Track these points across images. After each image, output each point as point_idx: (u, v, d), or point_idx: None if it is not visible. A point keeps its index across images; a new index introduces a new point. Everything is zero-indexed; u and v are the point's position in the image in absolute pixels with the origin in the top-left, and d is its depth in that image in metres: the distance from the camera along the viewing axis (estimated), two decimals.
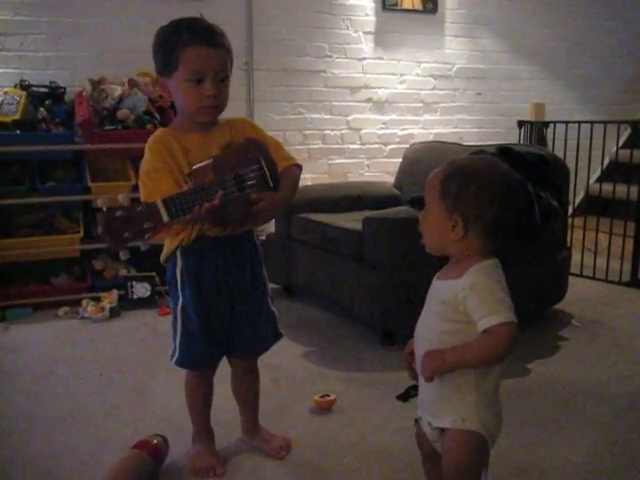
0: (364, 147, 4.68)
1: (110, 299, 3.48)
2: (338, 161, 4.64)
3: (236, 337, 1.87)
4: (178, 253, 1.79)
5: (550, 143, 4.57)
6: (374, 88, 4.67)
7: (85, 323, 3.33)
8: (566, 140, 4.36)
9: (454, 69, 4.91)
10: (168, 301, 3.44)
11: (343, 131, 4.63)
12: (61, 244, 3.58)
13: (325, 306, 3.51)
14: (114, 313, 3.41)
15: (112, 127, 3.53)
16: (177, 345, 1.84)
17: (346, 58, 4.52)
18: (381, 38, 4.61)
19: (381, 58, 4.64)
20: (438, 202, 1.38)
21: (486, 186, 1.35)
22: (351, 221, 3.22)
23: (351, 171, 4.68)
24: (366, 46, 4.58)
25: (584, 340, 3.02)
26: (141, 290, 3.54)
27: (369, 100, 4.66)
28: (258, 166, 1.74)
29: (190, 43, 1.66)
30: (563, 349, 2.92)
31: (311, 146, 4.51)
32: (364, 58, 4.58)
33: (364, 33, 4.56)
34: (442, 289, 1.41)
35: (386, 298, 2.87)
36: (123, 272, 3.65)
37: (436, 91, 4.87)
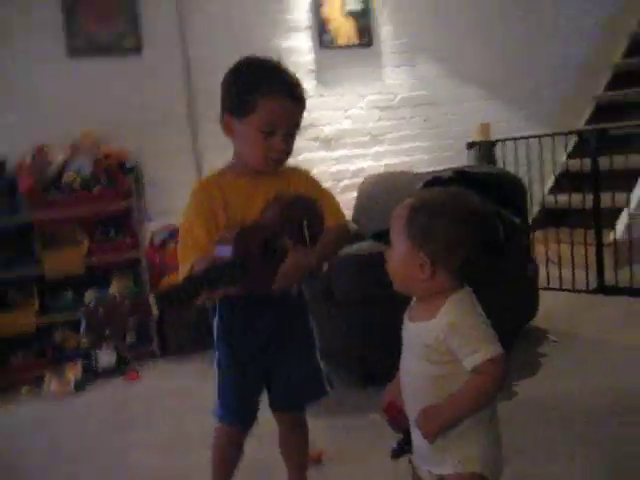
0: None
1: (74, 371, 3.32)
2: None
3: (275, 391, 1.79)
4: (217, 305, 1.72)
5: (501, 161, 4.62)
6: (319, 126, 4.65)
7: (49, 402, 3.17)
8: (516, 156, 4.40)
9: (397, 99, 4.93)
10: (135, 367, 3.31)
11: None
12: (16, 320, 3.42)
13: None
14: (79, 386, 3.26)
15: (58, 194, 3.43)
16: (215, 399, 1.76)
17: None
18: (322, 75, 4.61)
19: (322, 95, 4.63)
20: (404, 240, 1.32)
21: (455, 222, 1.29)
22: None
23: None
24: (308, 84, 4.54)
25: (563, 355, 2.99)
26: (105, 359, 3.39)
27: (316, 139, 4.64)
28: (293, 231, 1.66)
29: (273, 93, 1.59)
30: (544, 366, 2.88)
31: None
32: (309, 96, 4.56)
33: (304, 72, 4.55)
34: (421, 332, 1.33)
35: (361, 336, 2.80)
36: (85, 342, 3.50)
37: (382, 122, 4.87)
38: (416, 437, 1.38)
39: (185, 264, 1.60)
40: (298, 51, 4.54)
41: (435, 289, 1.32)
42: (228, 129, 1.67)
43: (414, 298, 1.42)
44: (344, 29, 4.61)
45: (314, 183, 1.78)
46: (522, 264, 3.28)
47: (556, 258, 4.24)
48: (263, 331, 1.70)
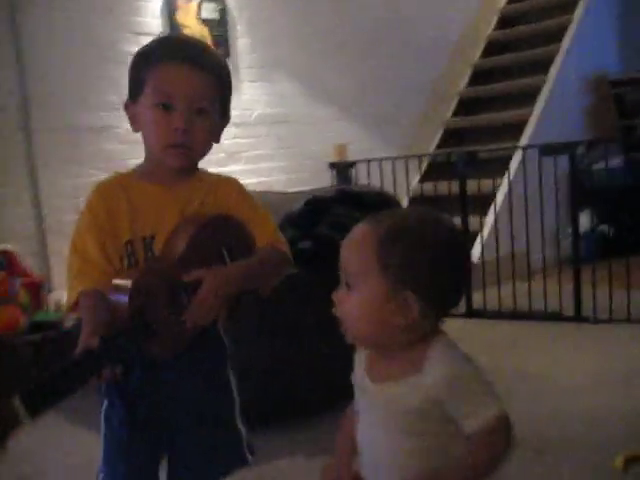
0: None
1: None
2: None
3: (177, 463, 1.38)
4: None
5: (360, 182, 4.51)
6: None
7: None
8: (369, 177, 4.33)
9: (254, 115, 4.67)
10: None
11: None
12: None
13: None
14: None
15: None
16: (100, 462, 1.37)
17: None
18: None
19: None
20: (375, 277, 1.02)
21: (441, 249, 1.04)
22: None
23: None
24: None
25: None
26: None
27: None
28: (210, 263, 1.28)
29: (164, 58, 1.29)
30: None
31: None
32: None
33: None
34: (396, 395, 1.04)
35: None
36: None
37: (238, 140, 4.57)
38: None
39: (70, 296, 1.27)
40: None
41: (417, 335, 1.04)
42: (131, 120, 1.35)
43: (364, 351, 1.14)
44: (199, 37, 4.26)
45: (246, 198, 1.41)
46: None
47: None
48: (169, 381, 1.32)
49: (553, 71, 5.41)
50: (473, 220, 4.31)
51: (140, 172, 1.37)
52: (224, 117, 1.38)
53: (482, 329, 3.75)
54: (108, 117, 3.92)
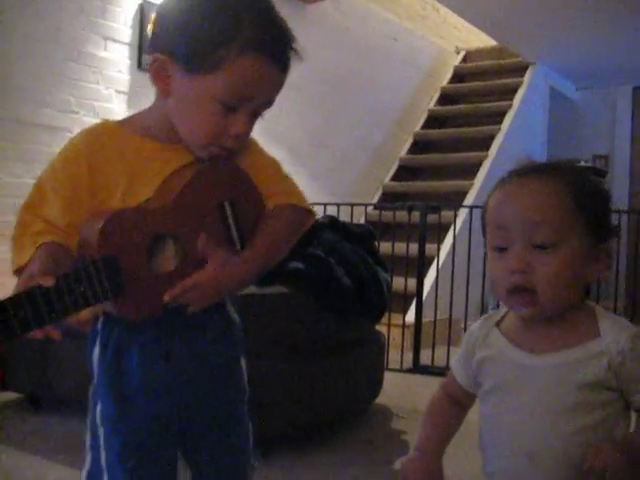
0: None
1: None
2: None
3: (196, 461, 1.16)
4: (99, 325, 1.06)
5: None
6: None
7: None
8: None
9: None
10: None
11: None
12: None
13: None
14: None
15: None
16: (104, 466, 1.08)
17: (95, 117, 3.79)
18: (135, 100, 3.99)
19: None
20: (579, 233, 0.92)
21: (605, 192, 0.99)
22: None
23: None
24: (118, 106, 3.92)
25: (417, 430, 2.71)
26: None
27: None
28: (207, 220, 1.08)
29: (258, 49, 1.00)
30: (411, 444, 2.56)
31: None
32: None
33: (116, 92, 3.90)
34: (570, 365, 0.91)
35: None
36: None
37: None
38: None
39: (19, 255, 1.00)
40: (113, 66, 3.89)
41: (580, 296, 0.96)
42: (161, 80, 1.05)
43: (490, 322, 1.01)
44: None
45: (265, 155, 1.19)
46: (371, 331, 2.98)
47: None
48: (176, 373, 1.10)
49: (494, 148, 5.66)
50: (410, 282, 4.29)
51: (136, 125, 1.10)
52: None
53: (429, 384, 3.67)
54: (62, 118, 3.63)
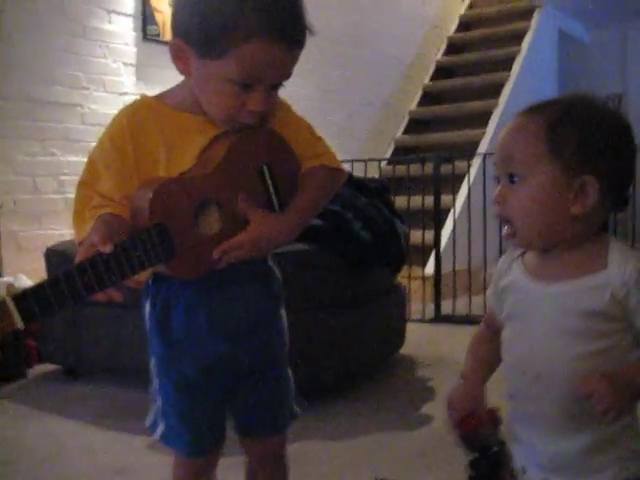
0: None
1: None
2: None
3: (244, 409, 1.24)
4: (150, 281, 1.14)
5: None
6: None
7: None
8: None
9: None
10: None
11: None
12: None
13: (144, 383, 2.72)
14: None
15: None
16: (159, 415, 1.21)
17: (105, 92, 3.83)
18: (143, 71, 4.02)
19: (144, 94, 4.03)
20: (547, 165, 0.93)
21: (619, 127, 0.97)
22: None
23: None
24: (127, 79, 3.95)
25: (443, 377, 2.78)
26: None
27: None
28: (248, 184, 1.14)
29: (261, 34, 1.02)
30: (438, 390, 2.63)
31: (69, 195, 3.66)
32: (125, 93, 3.93)
33: (124, 64, 3.93)
34: (577, 293, 0.94)
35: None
36: None
37: None
38: (552, 443, 0.99)
39: (81, 228, 1.07)
40: (119, 38, 3.91)
41: (590, 227, 0.96)
42: (180, 61, 1.10)
43: (517, 252, 1.05)
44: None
45: (292, 118, 1.24)
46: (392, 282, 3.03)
47: None
48: (221, 324, 1.17)
49: (504, 96, 5.62)
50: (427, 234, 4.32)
51: (171, 100, 1.15)
52: None
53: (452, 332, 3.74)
54: (73, 94, 3.67)
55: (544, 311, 0.98)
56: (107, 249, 0.97)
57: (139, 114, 1.13)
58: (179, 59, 1.10)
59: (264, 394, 1.24)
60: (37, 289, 0.95)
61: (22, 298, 0.94)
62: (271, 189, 1.17)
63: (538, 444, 1.00)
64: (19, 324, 0.93)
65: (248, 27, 1.02)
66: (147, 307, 1.18)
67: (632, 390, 0.91)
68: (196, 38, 1.05)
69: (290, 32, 1.06)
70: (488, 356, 1.12)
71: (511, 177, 0.97)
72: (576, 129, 0.93)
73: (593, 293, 0.93)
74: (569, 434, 0.97)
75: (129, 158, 1.10)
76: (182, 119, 1.12)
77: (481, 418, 1.07)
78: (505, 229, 1.00)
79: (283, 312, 1.27)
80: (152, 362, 1.21)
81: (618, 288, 0.92)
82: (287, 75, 1.10)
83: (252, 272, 1.19)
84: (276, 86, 1.11)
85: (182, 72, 1.12)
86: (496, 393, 1.09)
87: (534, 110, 0.98)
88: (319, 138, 1.27)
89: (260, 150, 1.16)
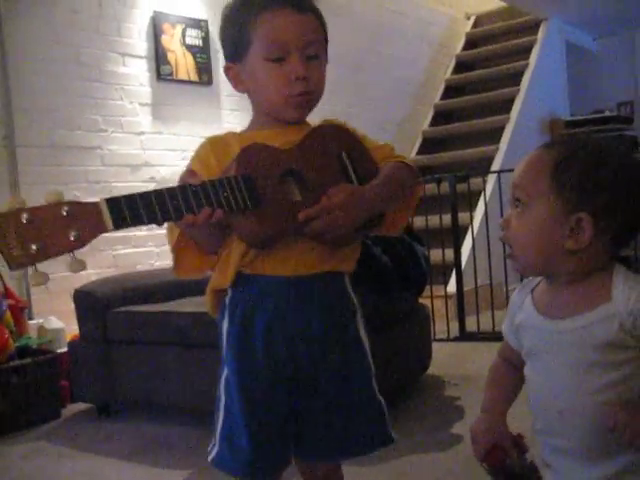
0: (152, 233, 4.05)
1: None
2: (124, 251, 3.94)
3: (307, 434, 1.24)
4: (227, 301, 1.21)
5: None
6: (155, 166, 4.11)
7: None
8: None
9: None
10: None
11: None
12: None
13: (177, 419, 2.77)
14: None
15: None
16: (217, 436, 1.23)
17: (123, 132, 3.93)
18: (159, 110, 4.12)
19: (160, 132, 4.13)
20: (548, 197, 0.98)
21: (621, 170, 0.99)
22: (198, 305, 2.62)
23: (140, 262, 4.01)
24: (144, 119, 4.05)
25: (471, 395, 2.79)
26: None
27: (152, 179, 4.08)
28: (328, 165, 1.21)
29: (266, 7, 1.18)
30: (467, 409, 2.64)
31: None
32: (142, 132, 4.03)
33: (140, 105, 4.03)
34: (585, 328, 0.97)
35: None
36: None
37: None
38: (584, 471, 1.01)
39: (171, 237, 1.19)
40: (134, 80, 4.01)
41: (588, 264, 0.99)
42: (235, 81, 1.26)
43: (528, 289, 1.09)
44: (184, 63, 4.20)
45: (360, 133, 1.33)
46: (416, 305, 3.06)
47: None
48: (300, 335, 1.20)
49: (515, 111, 5.65)
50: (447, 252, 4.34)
51: (250, 126, 1.31)
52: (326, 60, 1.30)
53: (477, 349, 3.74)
54: (92, 137, 3.77)
55: (558, 348, 1.01)
56: (196, 181, 1.06)
57: (220, 136, 1.26)
58: (232, 79, 1.26)
59: (341, 419, 1.24)
60: (129, 197, 1.01)
61: (115, 202, 0.99)
62: (351, 172, 1.22)
63: (571, 473, 1.02)
64: (110, 226, 0.98)
65: (257, 11, 1.19)
66: (225, 324, 1.23)
67: None
68: (230, 50, 1.24)
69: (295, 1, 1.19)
70: (507, 388, 1.15)
71: (517, 203, 1.02)
72: (577, 169, 0.98)
73: (602, 325, 0.96)
74: (601, 461, 0.99)
75: (213, 169, 1.17)
76: (256, 135, 1.22)
77: (506, 449, 1.09)
78: (507, 250, 1.05)
79: (363, 335, 1.28)
80: (223, 378, 1.23)
81: (625, 318, 0.95)
82: (311, 41, 1.20)
83: (328, 287, 1.22)
84: (311, 57, 1.21)
85: (239, 90, 1.26)
86: (518, 418, 1.12)
87: (548, 147, 1.03)
88: (389, 145, 1.35)
89: (336, 140, 1.25)
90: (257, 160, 1.13)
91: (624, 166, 1.00)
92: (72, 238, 0.95)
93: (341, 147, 1.24)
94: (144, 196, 1.02)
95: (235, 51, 1.22)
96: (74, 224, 0.95)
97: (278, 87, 1.19)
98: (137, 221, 1.00)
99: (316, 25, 1.23)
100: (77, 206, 0.96)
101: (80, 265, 0.97)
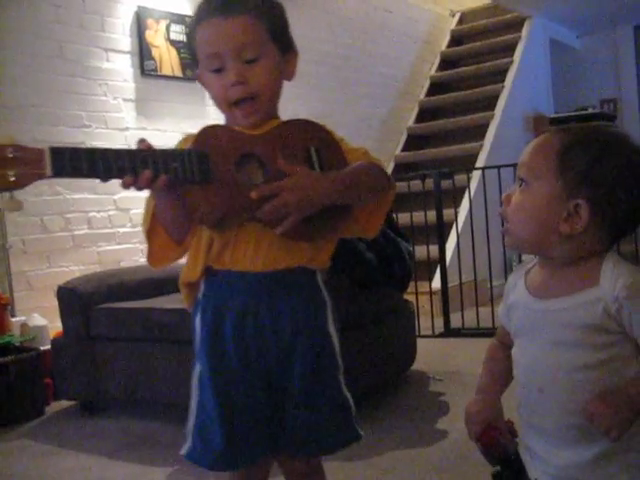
0: (136, 230, 4.03)
1: None
2: (108, 248, 3.92)
3: (284, 427, 1.24)
4: (200, 296, 1.22)
5: None
6: None
7: None
8: None
9: None
10: None
11: (111, 212, 3.93)
12: None
13: (161, 416, 2.77)
14: None
15: None
16: (190, 431, 1.26)
17: (107, 128, 3.90)
18: (143, 106, 4.09)
19: (145, 128, 4.10)
20: (551, 179, 1.00)
21: (628, 165, 1.00)
22: (181, 302, 2.61)
23: (124, 258, 3.99)
24: (128, 115, 4.02)
25: (455, 390, 2.80)
26: None
27: None
28: (294, 156, 1.20)
29: (199, 20, 1.21)
30: (452, 405, 2.66)
31: (76, 232, 3.73)
32: (127, 128, 4.00)
33: (124, 100, 4.00)
34: (573, 309, 0.99)
35: None
36: None
37: None
38: (561, 454, 1.02)
39: (145, 224, 1.23)
40: (118, 75, 3.98)
41: (580, 250, 1.01)
42: (205, 88, 1.29)
43: (524, 269, 1.10)
44: (168, 58, 4.18)
45: (345, 142, 1.31)
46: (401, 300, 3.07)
47: None
48: (270, 329, 1.21)
49: (499, 108, 5.68)
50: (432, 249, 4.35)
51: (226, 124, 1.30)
52: (288, 50, 1.28)
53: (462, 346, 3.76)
54: (76, 133, 3.74)
55: (544, 327, 1.03)
56: (147, 146, 1.09)
57: (211, 129, 1.23)
58: (203, 86, 1.28)
59: (313, 414, 1.24)
60: (75, 149, 1.05)
61: (59, 151, 1.02)
62: (316, 166, 1.22)
63: (549, 456, 1.04)
64: (49, 172, 1.01)
65: (194, 26, 1.23)
66: (197, 320, 1.24)
67: (632, 408, 0.94)
68: (194, 60, 1.26)
69: (219, 4, 1.19)
70: (502, 370, 1.16)
71: (520, 182, 1.04)
72: (585, 156, 0.99)
73: (587, 308, 0.98)
74: (577, 445, 1.01)
75: None
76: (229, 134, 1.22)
77: (501, 429, 1.11)
78: (503, 225, 1.07)
79: (333, 331, 1.28)
80: (195, 374, 1.24)
81: (610, 303, 0.96)
82: (244, 44, 1.18)
83: (298, 283, 1.23)
84: (249, 61, 1.19)
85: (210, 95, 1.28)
86: (506, 406, 1.13)
87: (559, 131, 1.05)
88: (366, 152, 1.33)
89: (306, 134, 1.25)
90: (216, 139, 1.16)
91: (631, 161, 1.01)
92: (12, 179, 0.99)
93: (312, 142, 1.24)
94: (90, 151, 1.06)
95: (194, 61, 1.27)
96: (16, 166, 0.99)
97: (222, 96, 1.22)
98: (76, 172, 1.04)
99: (249, 26, 1.19)
100: (23, 150, 1.00)
101: (16, 205, 1.03)
